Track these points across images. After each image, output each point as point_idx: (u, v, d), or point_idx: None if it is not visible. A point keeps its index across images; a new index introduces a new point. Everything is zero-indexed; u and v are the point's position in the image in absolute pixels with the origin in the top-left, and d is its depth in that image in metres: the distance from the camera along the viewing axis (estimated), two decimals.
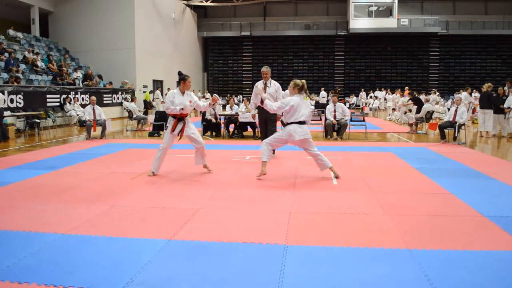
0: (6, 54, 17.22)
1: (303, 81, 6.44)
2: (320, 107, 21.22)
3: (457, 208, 4.82)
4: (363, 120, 12.76)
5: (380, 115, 23.30)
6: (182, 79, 6.72)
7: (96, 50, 23.75)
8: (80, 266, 3.22)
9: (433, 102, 18.73)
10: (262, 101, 8.17)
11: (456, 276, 3.04)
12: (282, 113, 6.63)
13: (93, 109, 11.85)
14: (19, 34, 21.02)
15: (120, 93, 22.24)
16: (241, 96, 31.01)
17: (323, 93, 30.31)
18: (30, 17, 22.73)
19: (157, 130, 13.35)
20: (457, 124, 10.71)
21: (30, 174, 6.78)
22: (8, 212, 4.67)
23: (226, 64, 36.46)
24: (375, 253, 3.48)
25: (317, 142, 11.04)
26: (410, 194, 5.53)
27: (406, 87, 23.70)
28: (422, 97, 18.93)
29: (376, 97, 27.63)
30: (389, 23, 32.07)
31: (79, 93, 18.73)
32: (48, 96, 16.66)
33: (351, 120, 12.57)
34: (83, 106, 16.43)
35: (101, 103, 18.94)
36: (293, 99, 6.29)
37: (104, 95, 20.75)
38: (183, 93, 6.73)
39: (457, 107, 10.97)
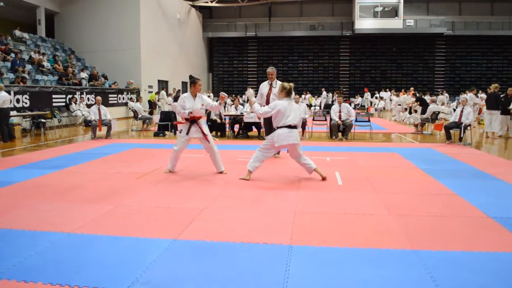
0: (13, 55, 17.31)
1: (291, 84, 6.35)
2: (326, 107, 21.20)
3: (463, 209, 4.80)
4: (368, 121, 12.72)
5: (386, 116, 23.23)
6: (193, 82, 6.73)
7: (101, 50, 23.84)
8: (85, 265, 3.23)
9: (440, 102, 18.67)
10: (267, 101, 8.22)
11: (461, 277, 3.02)
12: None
13: (99, 109, 11.89)
14: (25, 35, 21.13)
15: (125, 93, 22.31)
16: (246, 96, 31.03)
17: (324, 93, 30.32)
18: (36, 17, 22.85)
19: (162, 130, 13.37)
20: (463, 124, 10.67)
21: (35, 173, 6.81)
22: (13, 211, 4.69)
23: (231, 64, 36.49)
24: (380, 254, 3.47)
25: (322, 143, 11.09)
26: (415, 194, 5.51)
27: (411, 88, 23.63)
28: (427, 97, 18.86)
29: (382, 98, 27.54)
30: (394, 24, 31.98)
31: (84, 93, 18.79)
32: (54, 96, 16.74)
33: (356, 121, 12.54)
34: (89, 106, 16.51)
35: (106, 103, 19.00)
36: (280, 103, 6.21)
37: (110, 95, 20.82)
38: (194, 96, 6.75)
39: (463, 108, 10.92)
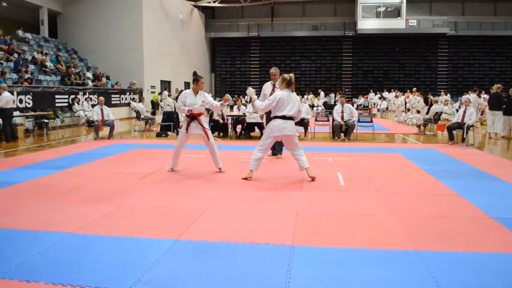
0: (16, 55, 17.35)
1: (291, 75, 6.36)
2: (328, 108, 21.19)
3: (465, 210, 4.79)
4: (371, 121, 12.71)
5: (389, 117, 23.20)
6: (195, 80, 6.80)
7: (104, 50, 23.87)
8: (87, 265, 3.24)
9: (441, 103, 18.63)
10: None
11: (463, 278, 3.02)
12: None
13: (101, 110, 11.92)
14: (28, 35, 21.17)
15: (128, 93, 22.33)
16: (248, 97, 31.03)
17: (322, 94, 30.32)
18: (39, 18, 22.88)
19: (164, 130, 13.38)
20: (466, 125, 10.64)
21: (38, 173, 6.83)
22: (16, 211, 4.70)
23: (234, 64, 36.50)
24: (382, 254, 3.46)
25: (324, 143, 11.08)
26: (417, 195, 5.50)
27: (414, 88, 23.58)
28: (429, 97, 18.81)
29: (384, 98, 27.49)
30: (397, 24, 31.94)
31: (87, 93, 18.83)
32: (56, 96, 16.77)
33: (358, 121, 12.53)
34: (92, 106, 16.53)
35: (109, 104, 19.04)
36: (279, 93, 6.23)
37: (112, 96, 20.84)
38: (196, 93, 6.81)
39: (465, 108, 10.89)
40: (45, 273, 3.09)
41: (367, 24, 32.25)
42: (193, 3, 31.09)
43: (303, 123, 12.27)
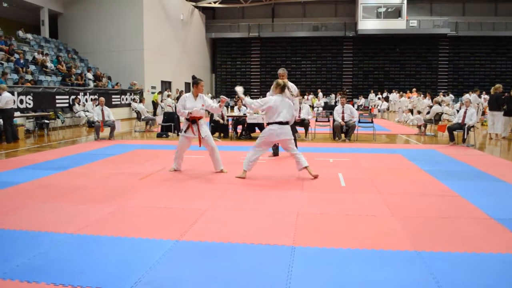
0: (16, 55, 17.36)
1: (285, 80, 6.56)
2: (328, 108, 21.19)
3: (466, 210, 4.79)
4: (372, 122, 12.70)
5: (390, 117, 23.19)
6: (195, 83, 6.84)
7: (105, 51, 23.88)
8: (89, 265, 3.24)
9: (444, 103, 18.62)
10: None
11: (464, 279, 3.02)
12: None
13: (102, 110, 11.92)
14: (29, 36, 21.18)
15: (128, 94, 22.34)
16: (249, 97, 31.04)
17: (320, 94, 30.35)
18: (39, 18, 22.90)
19: (165, 131, 13.39)
20: (466, 126, 10.64)
21: (39, 174, 6.84)
22: (17, 212, 4.71)
23: (234, 65, 36.51)
24: (383, 255, 3.46)
25: (325, 144, 11.08)
26: (418, 196, 5.50)
27: (414, 89, 23.57)
28: (429, 101, 18.80)
29: (385, 99, 27.47)
30: (397, 24, 31.94)
31: (88, 94, 18.84)
32: (57, 97, 16.77)
33: (359, 122, 12.53)
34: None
35: (109, 104, 19.04)
36: (272, 99, 6.34)
37: (113, 96, 20.85)
38: (196, 96, 6.84)
39: (466, 109, 10.88)
40: (46, 274, 3.09)
41: (368, 24, 32.25)
42: (193, 3, 31.11)
43: (303, 123, 12.27)
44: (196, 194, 5.56)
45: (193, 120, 6.78)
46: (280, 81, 6.48)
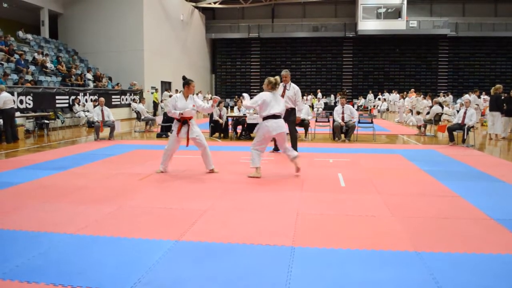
0: (16, 56, 17.36)
1: (277, 78, 6.67)
2: (328, 109, 21.20)
3: (466, 211, 4.79)
4: (371, 122, 12.71)
5: (390, 118, 23.19)
6: (186, 84, 6.89)
7: (105, 51, 23.88)
8: (88, 266, 3.24)
9: (445, 103, 18.62)
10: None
11: (464, 279, 3.01)
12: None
13: (102, 110, 11.92)
14: (29, 36, 21.19)
15: (128, 94, 22.35)
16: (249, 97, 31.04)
17: (320, 94, 30.41)
18: (39, 19, 22.90)
19: (165, 131, 13.39)
20: (466, 126, 10.64)
21: (39, 174, 6.83)
22: (17, 212, 4.70)
23: (234, 65, 36.53)
24: (383, 255, 3.46)
25: (325, 144, 11.08)
26: (418, 196, 5.50)
27: (412, 89, 23.57)
28: (429, 102, 18.76)
29: (385, 99, 27.45)
30: (397, 25, 31.97)
31: (88, 94, 18.84)
32: (57, 97, 16.77)
33: (359, 122, 12.53)
34: (94, 106, 16.53)
35: (109, 104, 19.04)
36: (264, 94, 6.53)
37: (113, 96, 20.86)
38: (186, 97, 6.88)
39: (466, 109, 10.88)
40: (45, 274, 3.09)
41: (368, 25, 32.27)
42: (193, 4, 31.13)
43: (303, 124, 12.27)
44: (196, 195, 5.56)
45: (184, 121, 6.80)
46: (272, 78, 6.64)
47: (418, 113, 16.34)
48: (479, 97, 18.42)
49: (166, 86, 26.88)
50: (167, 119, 13.70)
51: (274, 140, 9.16)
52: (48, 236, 3.90)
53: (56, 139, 12.59)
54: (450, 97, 25.67)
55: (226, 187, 6.03)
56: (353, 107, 14.56)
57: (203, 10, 33.72)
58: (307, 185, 6.12)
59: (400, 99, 23.14)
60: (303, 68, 35.48)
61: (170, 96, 23.07)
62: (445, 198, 5.39)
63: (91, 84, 20.41)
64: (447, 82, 33.99)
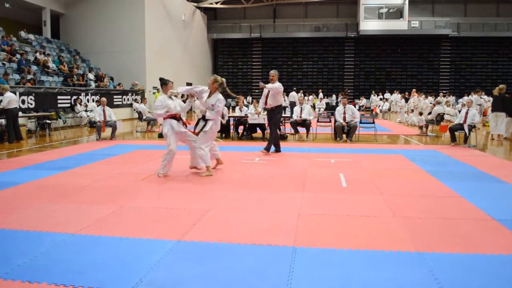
0: (18, 56, 17.39)
1: (223, 79, 6.90)
2: (329, 109, 21.18)
3: (467, 211, 4.78)
4: (373, 122, 12.69)
5: (392, 118, 23.17)
6: (164, 84, 7.11)
7: (106, 51, 23.91)
8: (90, 266, 3.24)
9: (448, 104, 18.59)
10: (266, 102, 9.04)
11: (465, 280, 3.01)
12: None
13: (103, 110, 11.94)
14: (31, 36, 21.23)
15: (130, 94, 22.37)
16: (250, 97, 31.04)
17: (321, 94, 30.47)
18: (41, 19, 22.94)
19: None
20: (467, 124, 10.60)
21: (40, 174, 6.85)
22: (18, 212, 4.71)
23: (236, 65, 36.52)
24: (384, 255, 3.46)
25: (326, 144, 11.07)
26: (419, 196, 5.49)
27: (414, 89, 23.54)
28: (431, 99, 18.75)
29: (386, 99, 27.44)
30: (399, 25, 31.94)
31: (89, 94, 18.86)
32: (59, 97, 16.80)
33: (360, 122, 12.52)
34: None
35: (111, 105, 19.05)
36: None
37: (114, 96, 20.88)
38: (168, 96, 7.06)
39: (467, 109, 10.87)
40: (47, 274, 3.09)
41: (369, 25, 32.25)
42: (195, 4, 31.15)
43: (305, 124, 12.27)
44: (197, 195, 5.56)
45: (174, 118, 6.89)
46: (219, 78, 6.80)
47: (420, 113, 16.32)
48: (480, 97, 18.39)
49: None
50: None
51: (276, 142, 9.22)
52: (49, 236, 3.91)
53: (57, 139, 12.61)
54: (451, 98, 25.63)
55: (227, 187, 6.03)
56: (355, 107, 14.53)
57: (204, 10, 33.72)
58: (309, 185, 6.12)
59: (401, 99, 23.14)
60: (304, 68, 35.46)
61: (176, 96, 23.05)
62: (447, 199, 5.39)
63: (93, 84, 20.45)
64: (448, 82, 33.94)
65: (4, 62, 16.29)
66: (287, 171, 7.26)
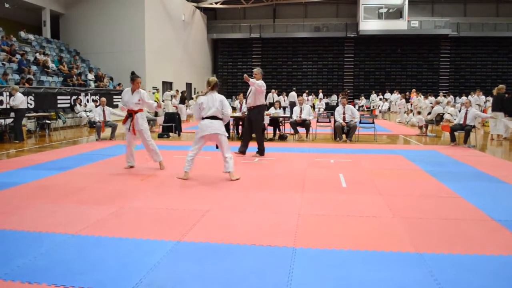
0: (18, 56, 17.38)
1: (215, 79, 6.77)
2: (330, 109, 21.18)
3: (467, 212, 4.78)
4: (373, 123, 12.70)
5: (391, 118, 23.17)
6: (132, 80, 7.26)
7: (106, 52, 23.92)
8: (90, 266, 3.24)
9: (449, 104, 18.59)
10: (246, 100, 8.74)
11: (465, 281, 3.01)
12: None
13: (103, 111, 11.94)
14: (31, 36, 21.22)
15: None
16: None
17: (321, 94, 30.45)
18: (41, 19, 22.95)
19: (166, 131, 13.39)
20: (468, 126, 10.61)
21: (40, 174, 6.84)
22: (18, 212, 4.71)
23: (236, 66, 36.51)
24: (384, 256, 3.46)
25: (326, 144, 11.08)
26: (419, 197, 5.49)
27: (414, 89, 23.57)
28: (432, 98, 18.75)
29: (386, 100, 27.45)
30: (399, 25, 31.96)
31: (89, 94, 18.86)
32: (58, 97, 16.79)
33: (360, 123, 12.52)
34: (96, 106, 16.56)
35: (111, 104, 19.03)
36: (201, 98, 6.61)
37: (114, 97, 20.87)
38: (133, 91, 7.24)
39: (467, 110, 10.86)
40: (47, 274, 3.09)
41: (369, 25, 32.26)
42: (195, 4, 31.15)
43: (304, 124, 12.28)
44: (197, 195, 5.56)
45: (130, 114, 7.21)
46: (211, 79, 6.71)
47: (419, 113, 16.33)
48: (478, 97, 18.40)
49: (167, 86, 26.88)
50: (169, 119, 13.73)
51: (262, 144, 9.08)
52: (49, 236, 3.91)
53: (57, 139, 12.60)
54: (451, 97, 25.65)
55: (227, 187, 6.03)
56: (354, 107, 14.53)
57: (204, 10, 33.73)
58: (308, 186, 6.12)
59: (401, 99, 23.15)
60: (304, 68, 35.48)
61: (174, 96, 23.02)
62: (447, 199, 5.39)
63: (93, 84, 20.44)
64: (448, 82, 33.95)
65: (4, 62, 16.28)
66: (286, 171, 7.26)
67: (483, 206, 4.94)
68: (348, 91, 33.02)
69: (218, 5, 32.28)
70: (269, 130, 12.60)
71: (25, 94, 14.55)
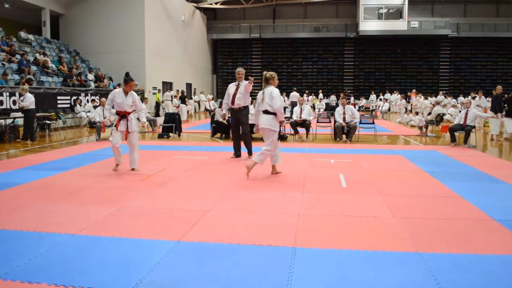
0: (18, 56, 17.37)
1: (271, 73, 7.09)
2: (330, 109, 21.19)
3: (468, 212, 4.78)
4: (373, 123, 12.70)
5: (392, 118, 23.17)
6: (125, 81, 7.16)
7: (106, 52, 23.91)
8: (90, 266, 3.24)
9: (450, 104, 18.60)
10: (233, 101, 8.52)
11: (466, 281, 3.01)
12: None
13: (103, 111, 11.92)
14: (31, 36, 21.22)
15: None
16: (250, 98, 31.03)
17: (321, 95, 30.53)
18: (41, 19, 22.94)
19: (166, 131, 13.39)
20: (468, 126, 10.61)
21: (40, 175, 6.84)
22: (19, 212, 4.71)
23: (235, 66, 36.05)
24: (384, 256, 3.46)
25: (326, 144, 11.08)
26: (419, 197, 5.49)
27: (414, 90, 23.58)
28: (432, 99, 18.76)
29: (386, 100, 27.46)
30: (399, 26, 31.94)
31: (89, 94, 18.86)
32: (58, 97, 16.79)
33: (360, 123, 12.52)
34: (95, 107, 16.55)
35: None
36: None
37: None
38: (126, 93, 7.15)
39: (467, 110, 10.87)
40: (47, 274, 3.09)
41: (369, 25, 32.25)
42: (195, 4, 31.15)
43: (305, 124, 12.27)
44: (197, 195, 5.56)
45: (123, 115, 7.10)
46: (268, 73, 7.06)
47: (417, 113, 16.34)
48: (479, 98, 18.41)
49: (167, 86, 26.88)
50: (169, 119, 13.72)
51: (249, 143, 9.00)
52: (49, 236, 3.91)
53: (57, 139, 12.61)
54: (449, 99, 25.65)
55: (228, 187, 6.03)
56: (354, 107, 14.52)
57: (204, 10, 33.73)
58: (309, 186, 6.12)
59: (401, 100, 23.15)
60: (304, 68, 35.47)
61: (175, 97, 23.01)
62: (447, 199, 5.39)
63: (93, 85, 20.43)
64: (448, 83, 33.95)
65: (4, 63, 16.27)
66: (287, 171, 7.26)
67: (483, 206, 4.94)
68: (348, 91, 33.02)
69: (218, 6, 32.28)
70: None
71: None
